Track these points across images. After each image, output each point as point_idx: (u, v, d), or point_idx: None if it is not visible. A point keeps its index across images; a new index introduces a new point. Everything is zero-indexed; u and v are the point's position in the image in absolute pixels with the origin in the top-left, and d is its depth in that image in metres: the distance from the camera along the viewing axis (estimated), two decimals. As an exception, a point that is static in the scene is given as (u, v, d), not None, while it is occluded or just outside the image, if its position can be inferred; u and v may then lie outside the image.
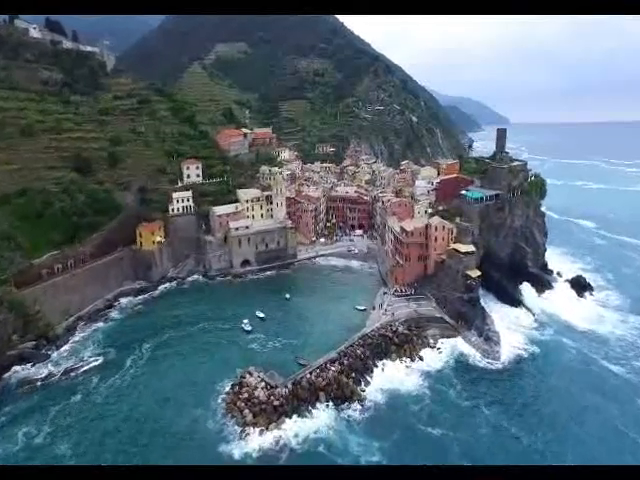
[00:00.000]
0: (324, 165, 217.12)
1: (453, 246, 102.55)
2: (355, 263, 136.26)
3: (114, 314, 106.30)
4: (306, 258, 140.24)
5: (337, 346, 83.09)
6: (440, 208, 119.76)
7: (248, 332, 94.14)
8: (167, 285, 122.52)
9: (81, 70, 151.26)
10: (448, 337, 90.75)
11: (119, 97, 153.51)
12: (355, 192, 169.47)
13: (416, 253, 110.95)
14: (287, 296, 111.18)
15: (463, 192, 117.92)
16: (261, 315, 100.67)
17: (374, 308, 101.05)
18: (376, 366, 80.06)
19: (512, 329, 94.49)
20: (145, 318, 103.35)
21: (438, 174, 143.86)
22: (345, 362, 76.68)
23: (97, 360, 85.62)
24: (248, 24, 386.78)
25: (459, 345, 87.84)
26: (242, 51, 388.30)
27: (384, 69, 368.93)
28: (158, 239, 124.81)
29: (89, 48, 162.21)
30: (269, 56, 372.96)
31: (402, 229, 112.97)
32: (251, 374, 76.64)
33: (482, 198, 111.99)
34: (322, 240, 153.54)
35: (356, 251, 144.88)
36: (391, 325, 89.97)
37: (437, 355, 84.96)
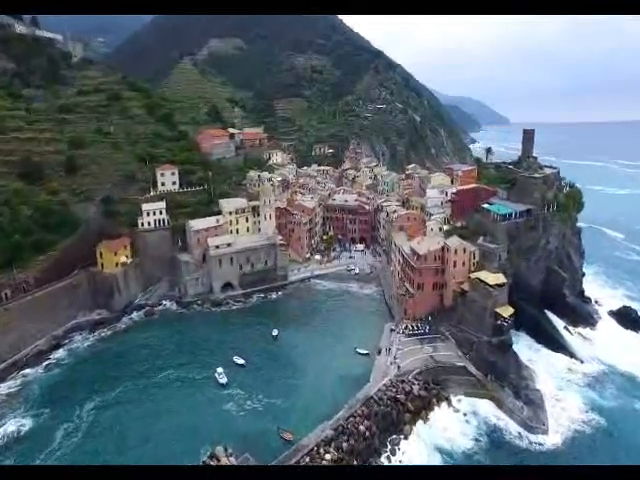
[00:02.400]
0: (321, 168, 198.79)
1: (477, 275, 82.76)
2: (355, 286, 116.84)
3: (61, 355, 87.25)
4: (299, 280, 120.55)
5: (333, 413, 63.75)
6: (458, 225, 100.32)
7: (223, 386, 74.97)
8: (133, 315, 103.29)
9: (38, 59, 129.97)
10: (475, 397, 70.93)
11: (84, 92, 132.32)
12: (356, 200, 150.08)
13: (430, 280, 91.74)
14: (274, 333, 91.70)
15: (485, 206, 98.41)
16: (240, 362, 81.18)
17: (379, 352, 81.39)
18: (385, 446, 60.17)
19: (558, 386, 74.10)
20: (97, 362, 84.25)
21: (452, 182, 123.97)
22: (344, 445, 56.68)
23: (22, 427, 66.51)
24: (244, 20, 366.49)
25: (491, 411, 67.59)
26: (237, 47, 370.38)
27: (385, 66, 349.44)
28: (123, 260, 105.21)
29: (48, 34, 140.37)
30: (265, 52, 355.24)
31: (413, 251, 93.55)
32: (219, 459, 57.18)
33: (511, 214, 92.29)
34: (317, 257, 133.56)
35: (357, 270, 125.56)
36: (403, 381, 70.12)
37: (464, 427, 64.76)
